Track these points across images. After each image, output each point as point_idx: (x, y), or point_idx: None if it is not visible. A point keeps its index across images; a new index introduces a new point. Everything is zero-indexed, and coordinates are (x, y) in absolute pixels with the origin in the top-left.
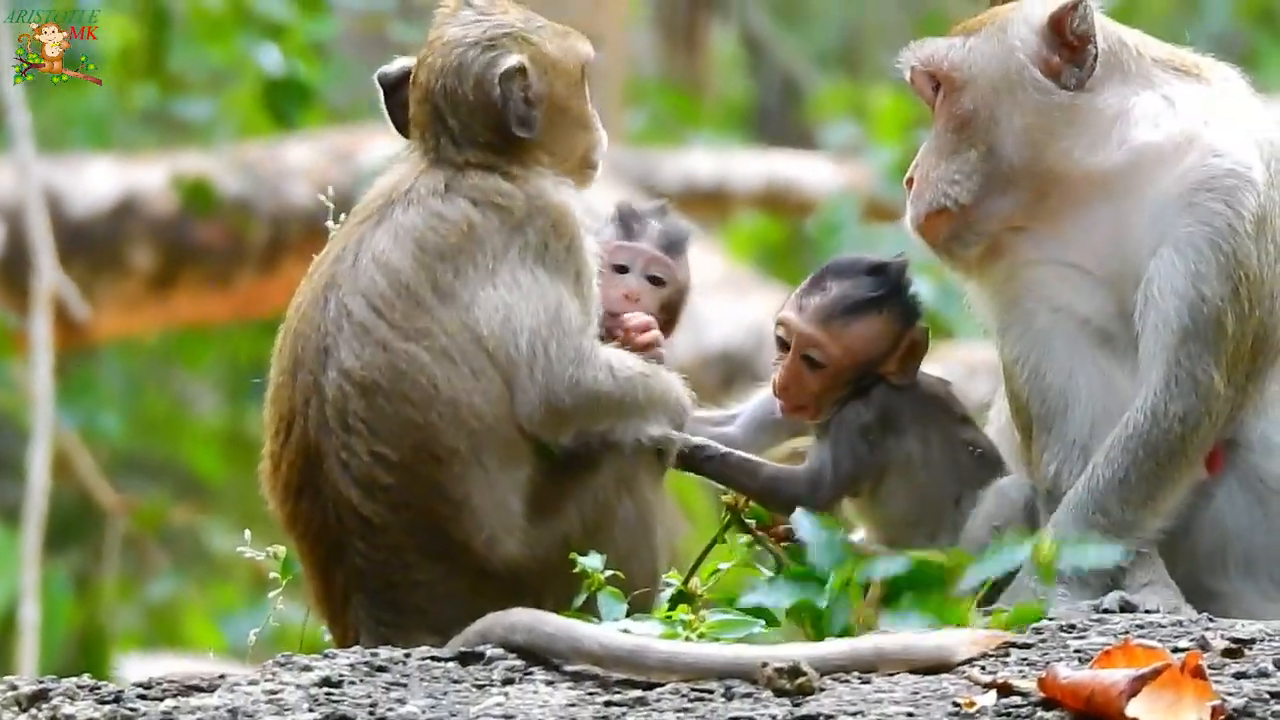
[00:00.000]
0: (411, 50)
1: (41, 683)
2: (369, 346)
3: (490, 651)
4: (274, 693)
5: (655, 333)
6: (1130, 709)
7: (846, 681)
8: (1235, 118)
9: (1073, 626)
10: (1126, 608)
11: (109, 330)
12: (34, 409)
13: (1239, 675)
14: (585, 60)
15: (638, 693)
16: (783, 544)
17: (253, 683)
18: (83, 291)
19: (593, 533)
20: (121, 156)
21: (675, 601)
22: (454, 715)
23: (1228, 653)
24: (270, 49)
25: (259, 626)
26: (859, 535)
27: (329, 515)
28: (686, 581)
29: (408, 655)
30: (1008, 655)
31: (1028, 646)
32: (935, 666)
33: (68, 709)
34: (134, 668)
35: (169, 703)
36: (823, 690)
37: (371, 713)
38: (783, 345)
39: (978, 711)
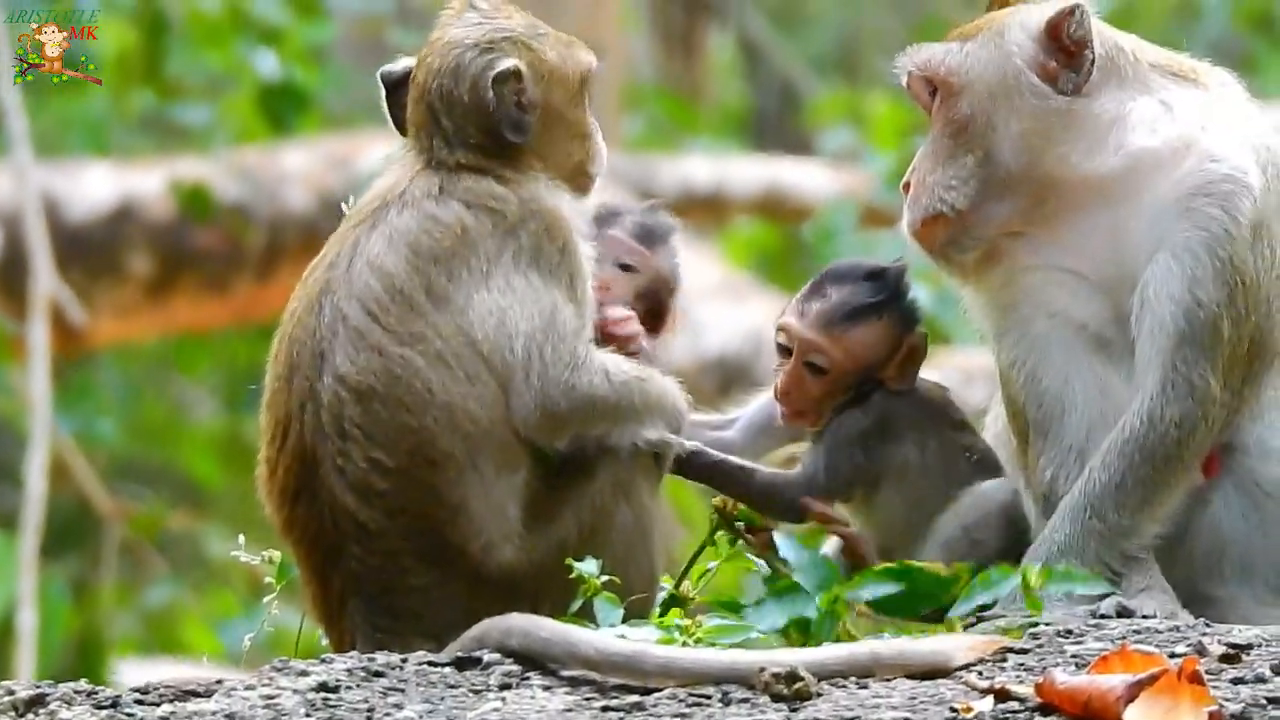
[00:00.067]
0: (410, 55)
1: (39, 688)
2: (364, 352)
3: (487, 657)
4: (271, 698)
5: (634, 325)
6: (1127, 714)
7: (843, 686)
8: (1232, 123)
9: (1070, 632)
10: (1123, 613)
11: (106, 336)
12: (31, 415)
13: (1236, 681)
14: (586, 70)
15: (635, 698)
16: (769, 549)
17: (250, 688)
18: (80, 297)
19: (589, 538)
20: (119, 162)
21: (667, 605)
22: None
23: (1225, 658)
24: (267, 54)
25: (254, 632)
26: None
27: (325, 520)
28: (678, 585)
29: (405, 660)
30: (1005, 660)
31: (1025, 652)
32: (932, 672)
33: (65, 714)
34: (131, 673)
35: (166, 708)
36: (820, 695)
37: (368, 718)
38: (784, 351)
39: (975, 717)
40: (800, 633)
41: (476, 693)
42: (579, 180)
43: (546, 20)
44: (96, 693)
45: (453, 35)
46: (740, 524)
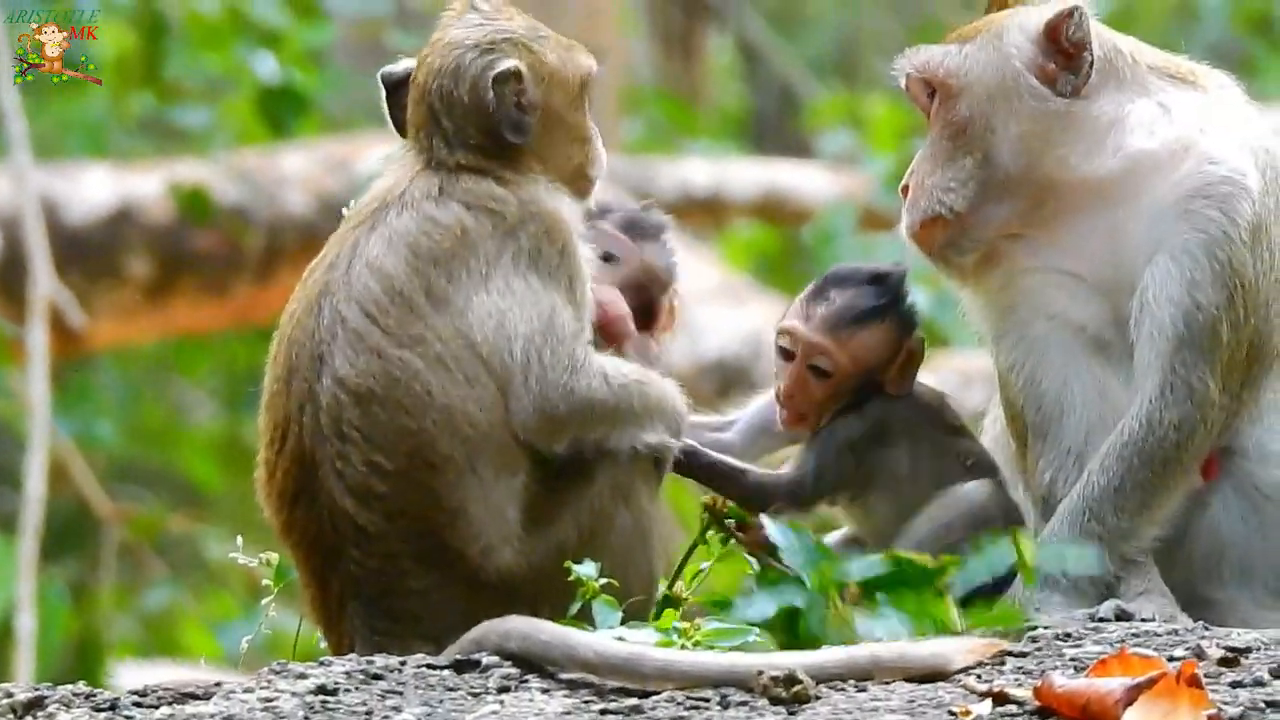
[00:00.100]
0: (409, 56)
1: (37, 690)
2: (363, 354)
3: (486, 659)
4: (269, 700)
5: (623, 306)
6: (1126, 718)
7: (842, 689)
8: (1231, 125)
9: (1068, 635)
10: (1122, 616)
11: (106, 338)
12: (30, 417)
13: (1235, 684)
14: (586, 73)
15: (633, 701)
16: (759, 547)
17: (248, 690)
18: (79, 300)
19: (589, 541)
20: (118, 164)
21: (661, 606)
22: None
23: (1223, 661)
24: (267, 57)
25: (252, 634)
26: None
27: (324, 523)
28: (671, 586)
29: (403, 663)
30: (1003, 664)
31: (1023, 655)
32: (931, 675)
33: (64, 717)
34: (129, 675)
35: (164, 710)
36: (819, 698)
37: None
38: (786, 355)
39: None
40: (790, 621)
41: (475, 695)
42: (578, 183)
43: (546, 23)
44: (95, 695)
45: (454, 36)
46: (730, 521)
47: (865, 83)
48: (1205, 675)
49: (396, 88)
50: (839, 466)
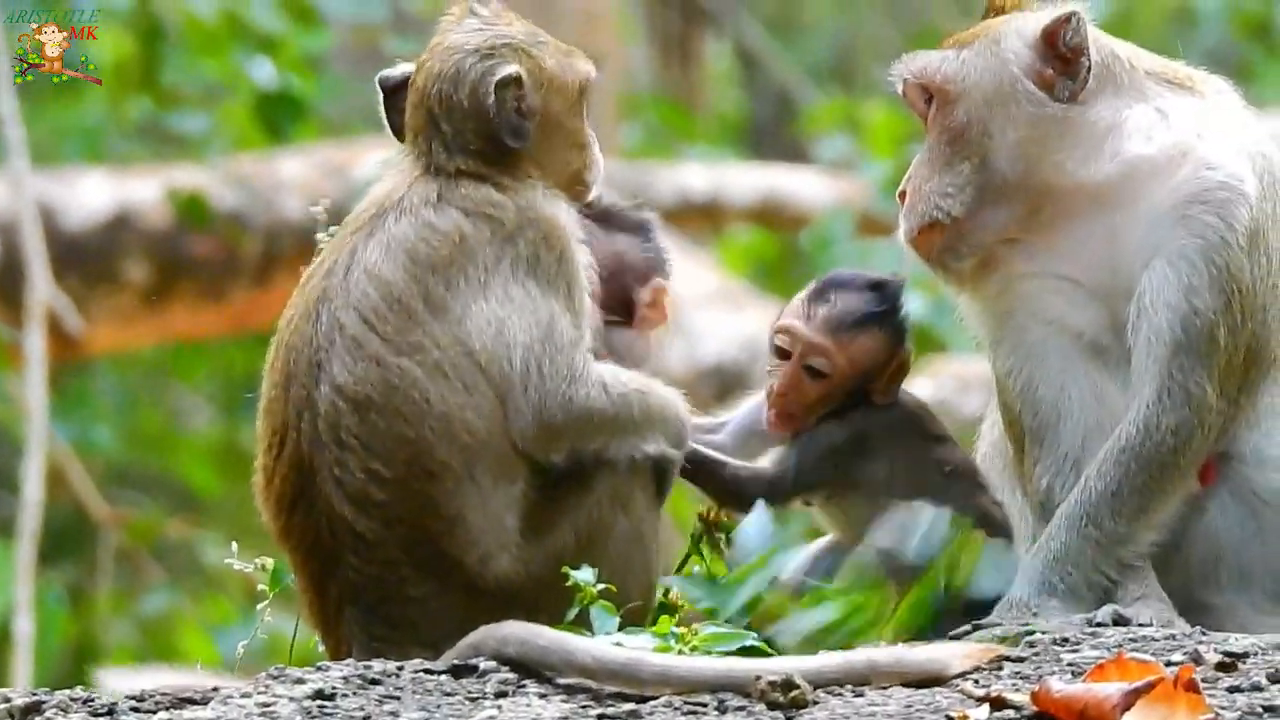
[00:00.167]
0: (407, 61)
1: (35, 695)
2: (361, 361)
3: (483, 664)
4: (267, 705)
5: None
6: None
7: (840, 694)
8: (1228, 131)
9: (1066, 640)
10: (1119, 621)
11: (103, 344)
12: (28, 422)
13: (1232, 689)
14: (585, 79)
15: (631, 706)
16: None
17: (246, 695)
18: (77, 305)
19: (587, 548)
20: (115, 170)
21: (656, 613)
22: None
23: (1221, 666)
24: (264, 62)
25: (248, 639)
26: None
27: (322, 529)
28: (667, 593)
29: (401, 668)
30: (1001, 669)
31: (1021, 660)
32: (928, 680)
33: None
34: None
35: (162, 715)
36: (816, 703)
37: None
38: (782, 354)
39: None
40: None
41: (473, 700)
42: (576, 189)
43: (544, 28)
44: (92, 700)
45: (453, 40)
46: (722, 535)
47: (863, 88)
48: (1203, 680)
49: (394, 92)
50: (818, 469)
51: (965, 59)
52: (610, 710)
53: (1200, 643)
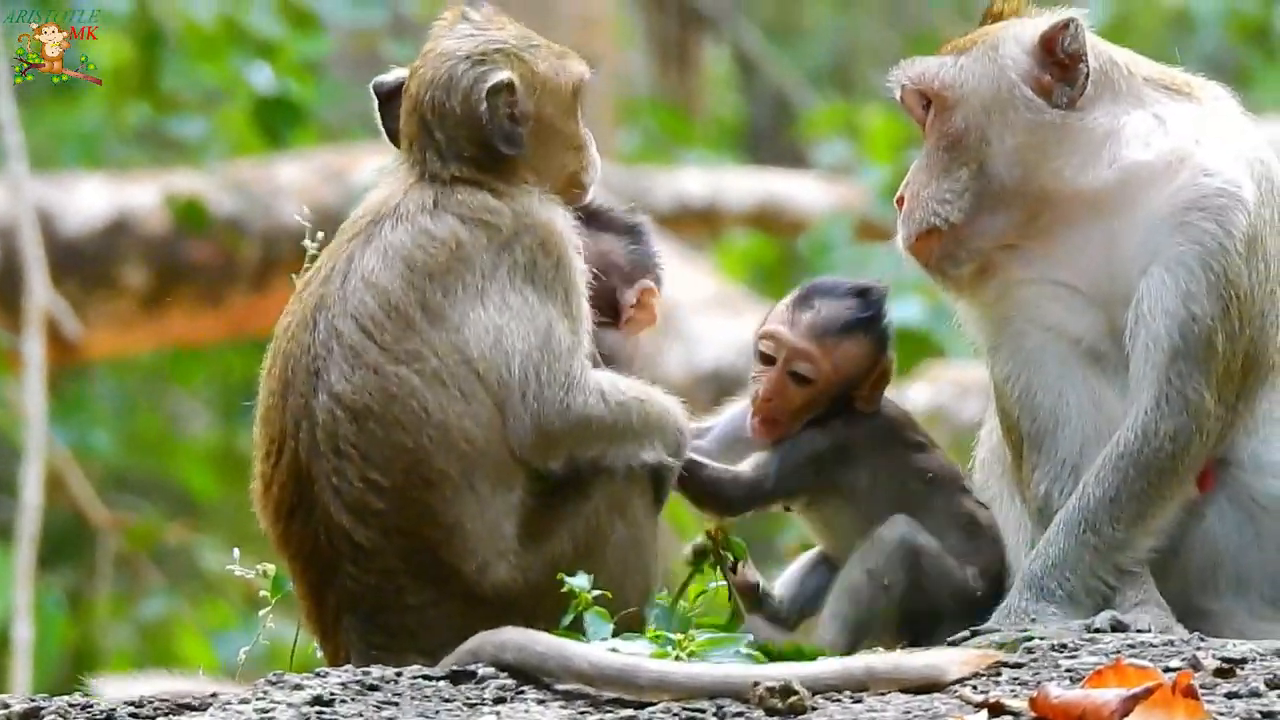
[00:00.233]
0: (403, 67)
1: (34, 701)
2: (359, 370)
3: (482, 670)
4: (265, 711)
5: None
6: None
7: (838, 701)
8: (1226, 137)
9: (1064, 646)
10: (1118, 627)
11: (101, 349)
12: (27, 427)
13: (1231, 695)
14: (579, 81)
15: (629, 712)
16: (743, 591)
17: (244, 702)
18: (75, 310)
19: (585, 556)
20: (114, 175)
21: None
22: None
23: (1219, 672)
24: (263, 68)
25: (250, 645)
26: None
27: (320, 538)
28: (675, 600)
29: (399, 674)
30: (999, 675)
31: (1019, 666)
32: (926, 686)
33: None
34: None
35: None
36: (814, 709)
37: None
38: (766, 360)
39: None
40: None
41: (471, 706)
42: (572, 191)
43: (541, 33)
44: (91, 705)
45: (445, 47)
46: (727, 555)
47: (861, 93)
48: (1201, 686)
49: (389, 98)
50: (799, 475)
51: (963, 65)
52: (608, 716)
53: (1199, 649)
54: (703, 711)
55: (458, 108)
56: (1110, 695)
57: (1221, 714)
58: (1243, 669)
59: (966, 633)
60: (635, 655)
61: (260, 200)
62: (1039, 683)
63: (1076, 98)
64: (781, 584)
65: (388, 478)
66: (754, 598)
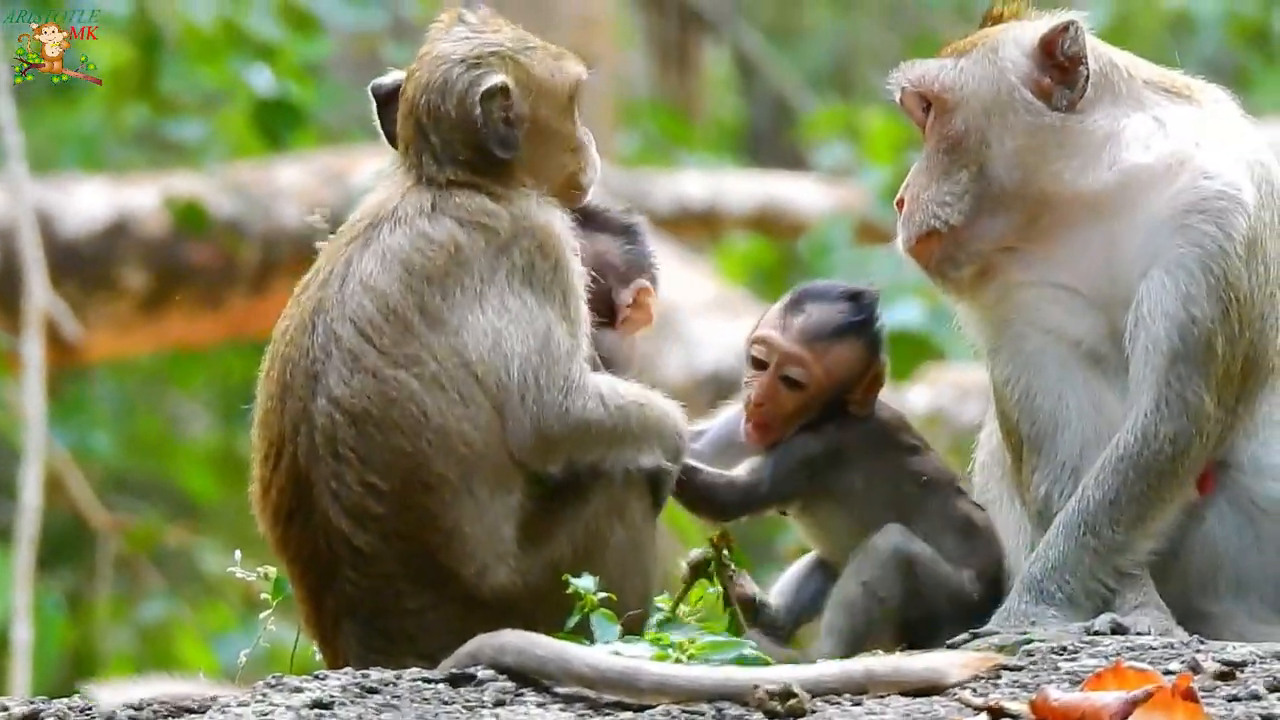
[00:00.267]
0: (402, 69)
1: (33, 703)
2: (358, 374)
3: (481, 673)
4: (265, 715)
5: None
6: None
7: (838, 704)
8: (1226, 139)
9: (1064, 649)
10: (1118, 630)
11: (101, 351)
12: (26, 429)
13: (1231, 698)
14: (575, 82)
15: (629, 715)
16: (741, 602)
17: (243, 704)
18: (74, 312)
19: (584, 558)
20: (113, 177)
21: (663, 628)
22: None
23: (1219, 675)
24: (262, 70)
25: (250, 647)
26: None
27: (319, 542)
28: (674, 609)
29: (399, 677)
30: (999, 678)
31: (1019, 669)
32: (927, 689)
33: None
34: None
35: None
36: (814, 712)
37: None
38: (758, 365)
39: None
40: None
41: (470, 709)
42: (571, 192)
43: (540, 35)
44: (91, 709)
45: (440, 50)
46: (730, 565)
47: (861, 95)
48: (1201, 689)
49: (388, 100)
50: (793, 479)
51: (963, 67)
52: (608, 719)
53: (1198, 651)
54: (703, 714)
55: (453, 112)
56: (1110, 698)
57: (1221, 717)
58: (1243, 672)
59: (966, 635)
60: (635, 658)
61: (260, 202)
62: (1039, 685)
63: (1076, 100)
64: (777, 592)
65: (387, 482)
66: (751, 610)
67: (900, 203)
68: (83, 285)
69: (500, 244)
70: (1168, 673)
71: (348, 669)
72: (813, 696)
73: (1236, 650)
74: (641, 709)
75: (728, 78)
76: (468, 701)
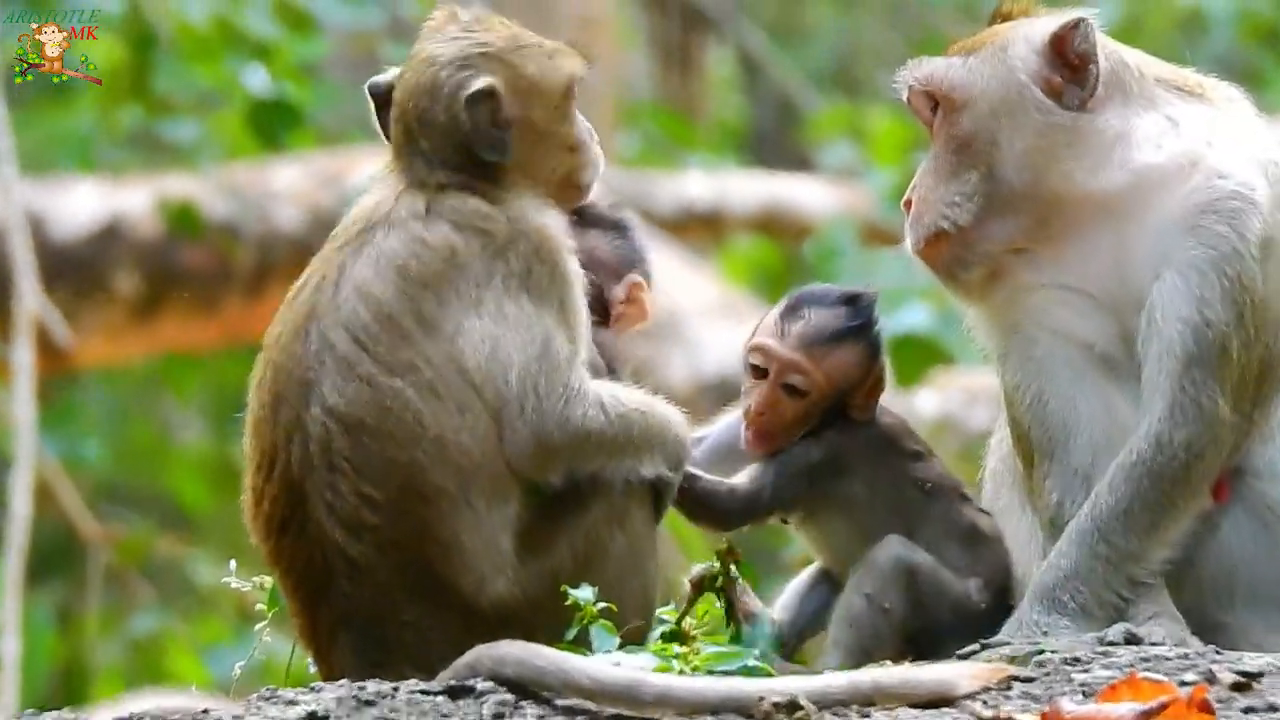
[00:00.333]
0: (399, 67)
1: (22, 718)
2: (353, 382)
3: (480, 685)
4: None
5: None
6: None
7: (845, 715)
8: (1239, 139)
9: (1077, 659)
10: (1131, 640)
11: (93, 356)
12: (16, 437)
13: (1247, 710)
14: (569, 79)
15: None
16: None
17: (237, 717)
18: (66, 317)
19: (584, 569)
20: (106, 179)
21: (668, 640)
22: None
23: (1236, 686)
24: (258, 70)
25: (244, 659)
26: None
27: (314, 553)
28: (680, 621)
29: (396, 689)
30: (1010, 689)
31: (1031, 680)
32: (936, 700)
33: None
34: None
35: None
36: None
37: None
38: (758, 373)
39: None
40: None
41: None
42: (568, 192)
43: (540, 34)
44: None
45: (431, 51)
46: (737, 578)
47: (867, 95)
48: (1217, 700)
49: (386, 99)
50: (794, 486)
51: (972, 66)
52: None
53: (1214, 662)
54: None
55: (441, 115)
56: (1124, 710)
57: None
58: (1260, 682)
59: (976, 646)
60: (638, 670)
61: (255, 204)
62: (1051, 697)
63: (1087, 99)
64: (780, 607)
65: (382, 492)
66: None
67: (908, 204)
68: (74, 289)
69: (496, 247)
70: (1183, 684)
71: (344, 681)
72: (819, 709)
73: (1253, 661)
74: None
75: (731, 77)
76: (466, 714)
